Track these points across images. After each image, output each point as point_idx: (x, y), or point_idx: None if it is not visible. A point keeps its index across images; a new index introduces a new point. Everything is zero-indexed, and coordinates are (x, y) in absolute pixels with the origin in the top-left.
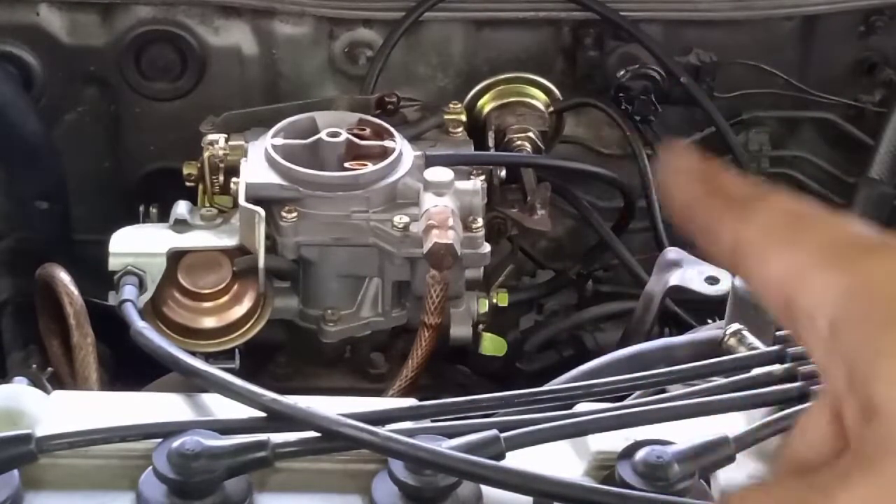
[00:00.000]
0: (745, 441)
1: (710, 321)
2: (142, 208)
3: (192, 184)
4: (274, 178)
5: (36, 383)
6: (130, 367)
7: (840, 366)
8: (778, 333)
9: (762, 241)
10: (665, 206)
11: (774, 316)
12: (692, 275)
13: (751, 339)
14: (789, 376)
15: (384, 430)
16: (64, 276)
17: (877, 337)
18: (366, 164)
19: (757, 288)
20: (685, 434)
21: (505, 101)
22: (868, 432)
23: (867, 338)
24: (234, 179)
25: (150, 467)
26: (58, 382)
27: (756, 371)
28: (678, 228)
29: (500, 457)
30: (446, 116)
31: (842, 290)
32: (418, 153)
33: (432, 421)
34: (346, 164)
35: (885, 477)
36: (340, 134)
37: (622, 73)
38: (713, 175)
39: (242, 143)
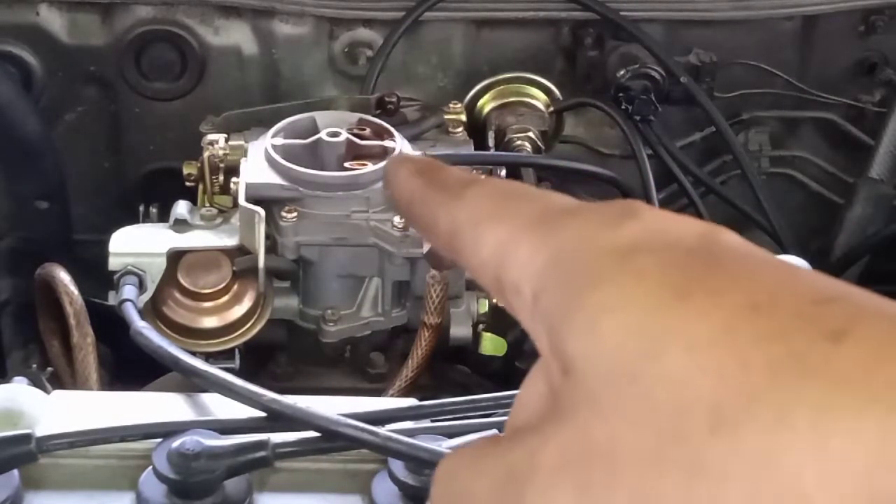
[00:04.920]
0: None
1: None
2: (142, 208)
3: (192, 184)
4: (274, 178)
5: (36, 383)
6: (130, 367)
7: (542, 330)
8: None
9: (472, 221)
10: (390, 205)
11: (490, 295)
12: None
13: None
14: None
15: (384, 430)
16: (64, 276)
17: (569, 296)
18: (366, 164)
19: (471, 270)
20: None
21: (505, 101)
22: (564, 387)
23: (561, 298)
24: (234, 179)
25: (150, 467)
26: (58, 382)
27: None
28: (408, 226)
29: None
30: (446, 116)
31: (541, 258)
32: (418, 153)
33: (432, 421)
34: (346, 164)
35: (577, 427)
36: (340, 134)
37: (622, 73)
38: (431, 168)
39: (242, 143)
